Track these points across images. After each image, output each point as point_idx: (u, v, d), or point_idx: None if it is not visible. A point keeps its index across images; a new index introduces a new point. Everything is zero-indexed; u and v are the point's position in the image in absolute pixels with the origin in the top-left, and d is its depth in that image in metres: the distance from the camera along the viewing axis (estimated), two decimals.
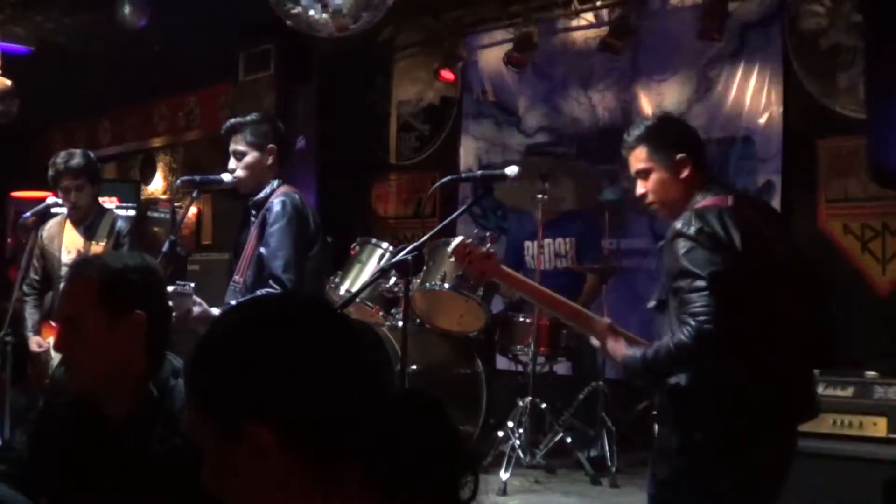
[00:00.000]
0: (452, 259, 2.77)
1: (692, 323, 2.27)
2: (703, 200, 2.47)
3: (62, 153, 4.54)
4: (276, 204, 3.38)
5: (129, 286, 1.94)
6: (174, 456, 1.87)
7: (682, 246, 2.36)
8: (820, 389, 3.79)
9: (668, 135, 2.60)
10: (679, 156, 2.53)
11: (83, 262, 2.05)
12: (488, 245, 2.73)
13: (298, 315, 1.10)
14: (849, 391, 3.83)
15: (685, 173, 2.53)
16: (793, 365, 2.49)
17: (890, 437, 3.73)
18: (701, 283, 2.29)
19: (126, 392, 1.95)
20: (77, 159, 4.48)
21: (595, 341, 2.63)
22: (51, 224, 4.62)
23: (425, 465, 1.04)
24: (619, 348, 2.50)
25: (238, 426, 1.01)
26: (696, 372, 2.38)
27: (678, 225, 2.41)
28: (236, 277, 3.51)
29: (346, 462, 1.04)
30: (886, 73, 4.35)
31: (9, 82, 6.42)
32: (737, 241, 2.36)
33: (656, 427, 2.54)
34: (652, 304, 2.54)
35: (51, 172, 4.45)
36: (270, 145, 3.46)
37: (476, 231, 2.76)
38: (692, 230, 2.35)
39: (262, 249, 3.36)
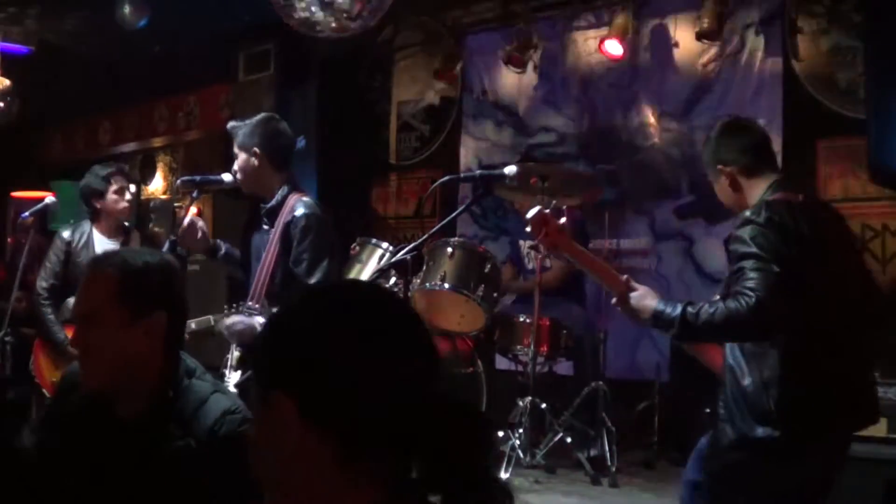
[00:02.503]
0: (528, 229, 2.69)
1: (749, 294, 2.28)
2: (773, 195, 2.52)
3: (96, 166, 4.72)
4: (300, 218, 3.37)
5: (149, 285, 1.91)
6: (185, 456, 1.87)
7: (750, 231, 2.39)
8: None
9: (707, 151, 2.77)
10: (719, 167, 2.68)
11: (102, 258, 1.98)
12: (563, 219, 2.70)
13: (340, 299, 1.13)
14: None
15: (729, 181, 2.67)
16: (855, 370, 2.51)
17: (890, 437, 3.72)
18: (764, 265, 2.31)
19: (140, 392, 1.93)
20: (120, 165, 4.81)
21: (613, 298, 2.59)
22: (74, 231, 4.61)
23: (461, 478, 1.03)
24: (649, 301, 2.48)
25: (269, 396, 1.06)
26: (763, 371, 2.39)
27: (748, 213, 2.46)
28: (251, 304, 3.45)
29: (372, 455, 1.04)
30: (886, 73, 4.35)
31: (8, 82, 6.42)
32: (805, 235, 2.40)
33: (720, 424, 2.53)
34: (716, 298, 2.52)
35: (101, 173, 4.55)
36: (255, 149, 3.45)
37: (553, 202, 2.71)
38: (762, 218, 2.39)
39: (296, 267, 3.35)
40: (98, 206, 4.56)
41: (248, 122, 3.53)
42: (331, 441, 1.03)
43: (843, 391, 2.44)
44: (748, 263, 2.33)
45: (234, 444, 1.87)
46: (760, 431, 2.37)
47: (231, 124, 3.56)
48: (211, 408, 1.92)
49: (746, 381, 2.41)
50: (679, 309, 2.38)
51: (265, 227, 3.49)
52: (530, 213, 2.67)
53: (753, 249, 2.34)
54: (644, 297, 2.49)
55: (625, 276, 2.56)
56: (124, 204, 4.57)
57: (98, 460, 1.93)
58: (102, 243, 4.54)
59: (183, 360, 2.01)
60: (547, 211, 2.65)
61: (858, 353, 2.53)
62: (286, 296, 3.37)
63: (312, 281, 3.33)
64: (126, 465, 1.90)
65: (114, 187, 4.54)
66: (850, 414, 2.49)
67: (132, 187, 4.72)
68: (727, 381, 2.49)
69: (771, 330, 2.36)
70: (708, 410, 3.75)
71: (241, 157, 3.47)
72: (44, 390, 4.64)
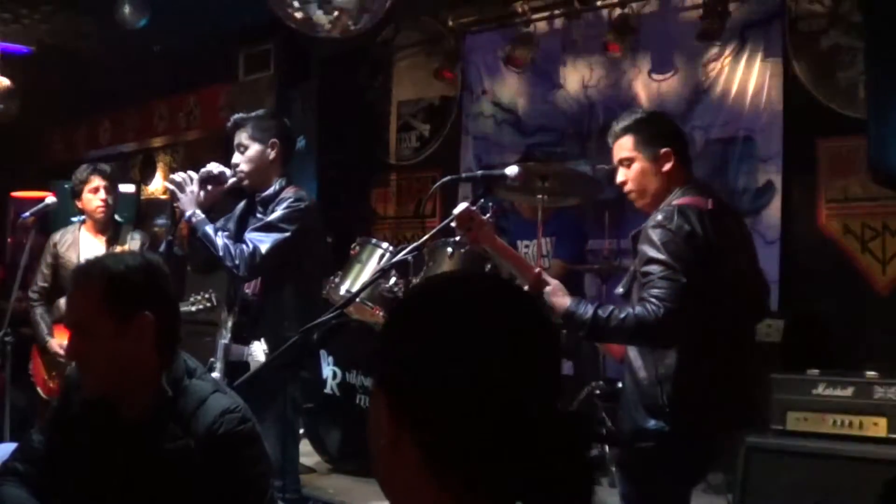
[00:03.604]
0: (454, 224, 2.81)
1: (657, 304, 2.35)
2: (683, 198, 2.57)
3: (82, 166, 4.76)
4: (287, 196, 3.42)
5: (132, 288, 1.93)
6: (185, 455, 1.88)
7: (662, 236, 2.44)
8: (820, 389, 3.80)
9: (654, 128, 2.74)
10: (663, 150, 2.66)
11: (85, 267, 2.00)
12: (489, 215, 2.79)
13: (439, 296, 1.07)
14: (849, 391, 3.82)
15: (667, 167, 2.65)
16: (742, 372, 2.61)
17: (890, 437, 3.71)
18: (673, 274, 2.38)
19: (140, 392, 1.96)
20: (102, 164, 4.84)
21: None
22: (63, 233, 4.68)
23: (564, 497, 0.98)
24: (561, 298, 2.54)
25: (375, 391, 1.05)
26: (658, 367, 2.49)
27: (659, 217, 2.51)
28: (247, 292, 3.51)
29: (459, 463, 0.98)
30: (886, 73, 4.35)
31: (8, 82, 6.42)
32: (710, 244, 2.47)
33: (620, 413, 2.71)
34: (619, 290, 2.63)
35: (79, 174, 4.63)
36: (273, 140, 3.50)
37: (482, 201, 2.82)
38: (673, 225, 2.45)
39: (249, 228, 3.40)
40: (79, 205, 4.65)
41: (255, 114, 3.58)
42: (416, 443, 0.99)
43: (730, 391, 2.54)
44: (657, 270, 2.40)
45: (232, 442, 1.89)
46: (652, 423, 2.49)
47: (239, 116, 3.59)
48: (210, 407, 1.94)
49: (642, 375, 2.52)
50: (590, 312, 2.45)
51: (259, 214, 3.52)
52: (457, 210, 2.76)
53: (664, 256, 2.41)
54: (555, 294, 2.56)
55: (537, 269, 2.64)
56: (98, 203, 4.60)
57: (100, 460, 1.95)
58: (88, 242, 4.62)
59: (184, 361, 2.03)
60: (473, 208, 2.75)
61: (746, 354, 2.63)
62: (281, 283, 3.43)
63: (246, 236, 3.36)
64: (127, 464, 1.91)
65: (89, 186, 4.60)
66: (735, 414, 2.61)
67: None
68: (626, 373, 2.59)
69: (675, 339, 2.45)
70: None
71: (255, 148, 3.50)
72: (38, 389, 4.66)
